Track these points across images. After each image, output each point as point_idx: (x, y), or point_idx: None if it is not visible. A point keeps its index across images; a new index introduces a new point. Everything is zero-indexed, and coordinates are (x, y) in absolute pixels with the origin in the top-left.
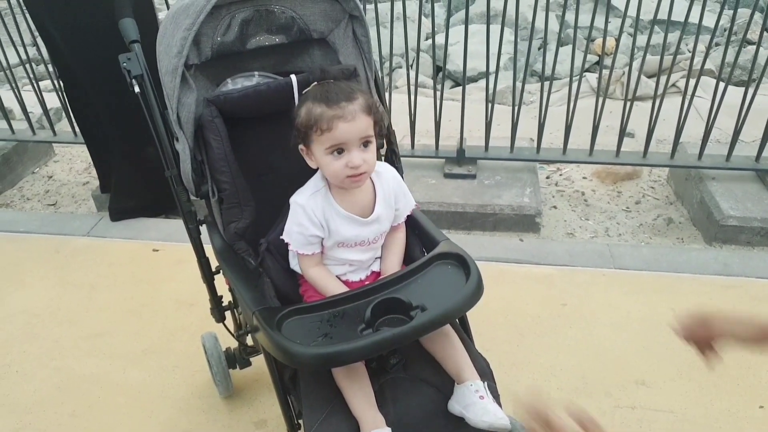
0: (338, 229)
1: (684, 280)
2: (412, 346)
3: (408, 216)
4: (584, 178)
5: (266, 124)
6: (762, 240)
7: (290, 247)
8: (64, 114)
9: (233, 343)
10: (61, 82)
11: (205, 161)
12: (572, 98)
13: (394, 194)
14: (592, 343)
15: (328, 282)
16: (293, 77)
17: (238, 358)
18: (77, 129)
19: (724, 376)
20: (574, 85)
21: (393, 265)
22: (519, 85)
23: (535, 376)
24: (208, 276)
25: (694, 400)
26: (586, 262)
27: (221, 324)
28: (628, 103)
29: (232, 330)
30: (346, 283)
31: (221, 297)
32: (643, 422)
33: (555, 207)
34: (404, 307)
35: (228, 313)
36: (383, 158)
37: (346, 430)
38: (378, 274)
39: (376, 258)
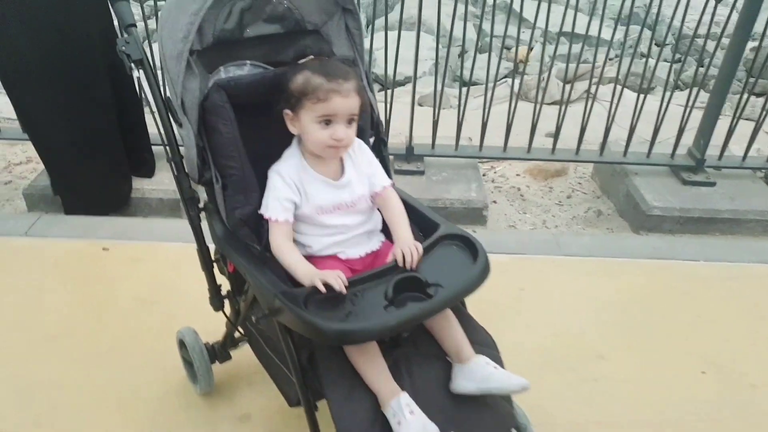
0: (315, 193)
1: (623, 263)
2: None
3: (404, 202)
4: (518, 175)
5: (265, 111)
6: (681, 228)
7: (265, 216)
8: None
9: (210, 339)
10: None
11: (206, 147)
12: (514, 100)
13: (365, 161)
14: (551, 323)
15: (291, 255)
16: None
17: (219, 353)
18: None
19: (669, 346)
20: (507, 90)
21: (405, 235)
22: (456, 90)
23: (504, 356)
24: (208, 264)
25: (646, 368)
26: (536, 250)
27: (209, 315)
28: (561, 107)
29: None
30: (347, 261)
31: (220, 285)
32: (606, 393)
33: (495, 202)
34: (421, 285)
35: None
36: (370, 147)
37: (369, 402)
38: (377, 253)
39: (367, 230)
